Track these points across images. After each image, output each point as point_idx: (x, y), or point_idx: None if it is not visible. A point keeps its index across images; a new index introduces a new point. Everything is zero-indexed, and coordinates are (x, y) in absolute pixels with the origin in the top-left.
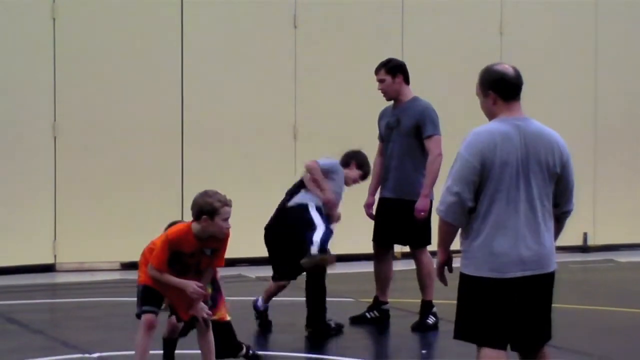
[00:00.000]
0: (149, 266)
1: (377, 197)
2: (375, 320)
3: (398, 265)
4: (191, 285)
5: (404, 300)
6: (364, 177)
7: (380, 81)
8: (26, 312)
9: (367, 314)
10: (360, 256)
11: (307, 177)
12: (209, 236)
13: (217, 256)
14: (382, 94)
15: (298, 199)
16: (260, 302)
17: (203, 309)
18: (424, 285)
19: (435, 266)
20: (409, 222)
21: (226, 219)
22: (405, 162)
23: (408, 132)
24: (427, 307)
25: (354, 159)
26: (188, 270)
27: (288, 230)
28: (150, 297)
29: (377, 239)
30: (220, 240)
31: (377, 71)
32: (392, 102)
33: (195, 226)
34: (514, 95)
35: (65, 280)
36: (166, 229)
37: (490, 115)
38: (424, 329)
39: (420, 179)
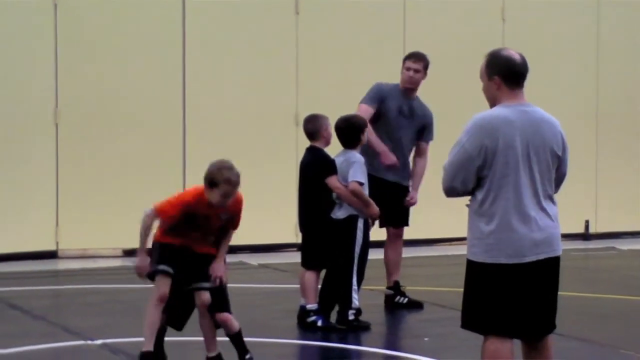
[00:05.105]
0: (149, 211)
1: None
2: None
3: (406, 253)
4: (217, 271)
5: (413, 288)
6: None
7: (416, 70)
8: (28, 298)
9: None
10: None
11: (347, 195)
12: (220, 207)
13: (231, 221)
14: (408, 81)
15: (342, 212)
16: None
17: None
18: (399, 266)
19: None
20: (402, 203)
21: (226, 195)
22: (408, 152)
23: (417, 129)
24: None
25: (362, 129)
26: (197, 229)
27: (333, 240)
28: (167, 256)
29: (389, 223)
30: (234, 206)
31: (415, 60)
32: (388, 83)
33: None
34: (518, 82)
35: (68, 267)
36: None
37: (492, 100)
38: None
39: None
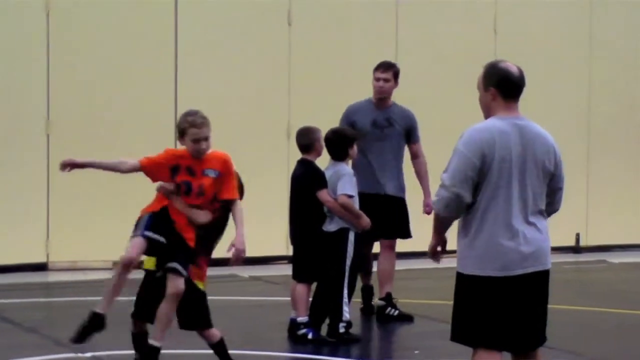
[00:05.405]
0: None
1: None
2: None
3: (399, 265)
4: (238, 245)
5: (404, 301)
6: None
7: (385, 80)
8: (19, 310)
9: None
10: None
11: (337, 208)
12: (200, 154)
13: (223, 185)
14: (378, 91)
15: (334, 225)
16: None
17: (240, 252)
18: (393, 276)
19: (428, 249)
20: (401, 214)
21: (196, 140)
22: (399, 162)
23: (402, 134)
24: (392, 298)
25: (352, 141)
26: (190, 190)
27: (324, 253)
28: (157, 225)
29: (385, 234)
30: (221, 164)
31: (384, 70)
32: (359, 101)
33: None
34: (514, 94)
35: (58, 279)
36: None
37: (487, 111)
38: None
39: (404, 176)
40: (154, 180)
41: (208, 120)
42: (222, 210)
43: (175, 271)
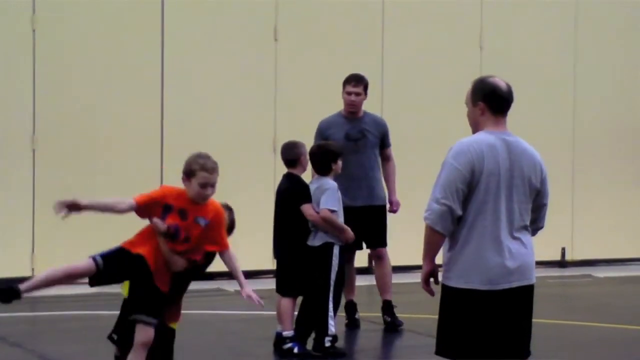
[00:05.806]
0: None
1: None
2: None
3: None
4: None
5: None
6: None
7: (357, 94)
8: (4, 324)
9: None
10: None
11: (320, 222)
12: (203, 200)
13: (212, 236)
14: (350, 105)
15: (318, 239)
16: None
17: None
18: (389, 284)
19: (421, 278)
20: (382, 223)
21: (204, 185)
22: (376, 171)
23: (375, 144)
24: (391, 307)
25: (336, 156)
26: (177, 235)
27: (309, 267)
28: (116, 260)
29: (369, 244)
30: (213, 214)
31: (355, 84)
32: (330, 115)
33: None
34: (502, 109)
35: (43, 294)
36: None
37: (475, 126)
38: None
39: (383, 184)
40: (145, 217)
41: (218, 166)
42: (205, 257)
43: (144, 322)
